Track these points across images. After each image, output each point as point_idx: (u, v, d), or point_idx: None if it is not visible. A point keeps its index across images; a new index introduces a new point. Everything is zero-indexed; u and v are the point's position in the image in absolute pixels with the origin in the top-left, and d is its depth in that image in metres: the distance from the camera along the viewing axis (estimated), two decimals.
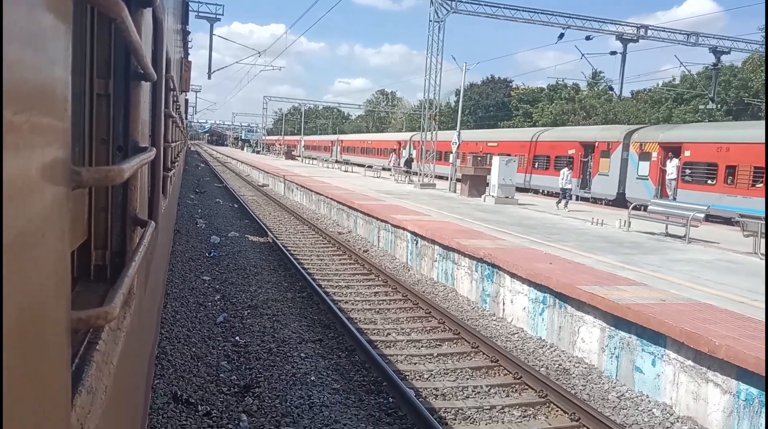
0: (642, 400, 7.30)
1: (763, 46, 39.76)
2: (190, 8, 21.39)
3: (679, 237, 15.17)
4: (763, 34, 44.79)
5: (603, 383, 7.81)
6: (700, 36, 33.81)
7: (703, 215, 15.17)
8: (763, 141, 19.29)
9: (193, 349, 8.20)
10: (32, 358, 0.74)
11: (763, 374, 5.93)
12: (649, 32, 33.27)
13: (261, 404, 6.68)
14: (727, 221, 19.72)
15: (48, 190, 0.80)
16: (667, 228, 15.98)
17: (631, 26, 33.77)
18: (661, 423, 6.75)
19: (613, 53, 36.44)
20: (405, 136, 57.48)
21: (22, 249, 0.69)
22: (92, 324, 1.23)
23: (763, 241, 12.98)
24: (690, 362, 6.89)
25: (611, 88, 50.73)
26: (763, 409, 6.01)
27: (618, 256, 11.90)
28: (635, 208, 17.22)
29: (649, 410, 7.05)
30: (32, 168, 0.72)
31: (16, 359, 0.67)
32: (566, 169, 24.57)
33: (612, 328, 8.10)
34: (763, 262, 12.40)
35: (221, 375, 7.46)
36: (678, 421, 6.78)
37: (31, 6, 0.71)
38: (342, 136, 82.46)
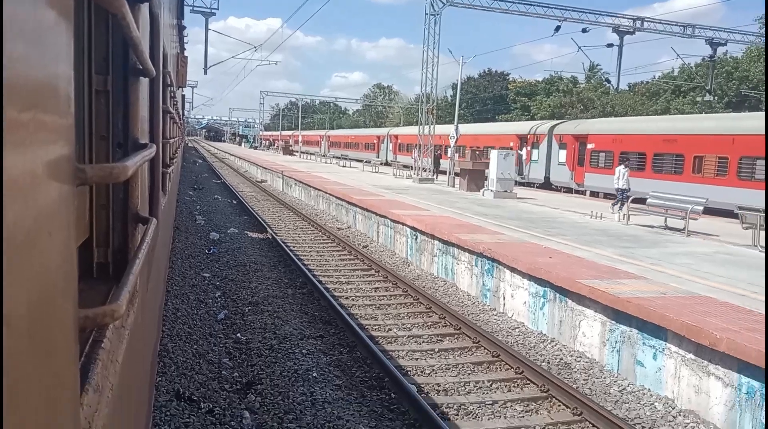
0: (644, 394, 7.32)
1: (760, 37, 39.75)
2: (185, 3, 21.33)
3: (678, 230, 15.19)
4: (760, 25, 44.81)
5: (605, 377, 7.83)
6: (696, 28, 33.79)
7: (701, 208, 15.20)
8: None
9: (195, 347, 8.20)
10: (41, 356, 0.74)
11: (764, 367, 5.94)
12: (646, 24, 33.24)
13: (263, 401, 6.68)
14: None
15: (53, 187, 0.79)
16: (666, 221, 16.01)
17: (628, 18, 33.75)
18: (663, 417, 6.77)
19: (610, 46, 36.46)
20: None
21: (30, 247, 0.69)
22: (99, 322, 1.23)
23: (762, 233, 13.00)
24: (691, 355, 6.91)
25: (608, 81, 50.68)
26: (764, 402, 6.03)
27: (618, 249, 11.92)
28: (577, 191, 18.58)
29: (651, 404, 7.07)
30: (38, 165, 0.72)
31: (26, 358, 0.67)
32: (622, 166, 19.16)
33: (613, 322, 8.11)
34: (763, 254, 12.43)
35: (223, 372, 7.47)
36: (680, 415, 6.80)
37: (34, 1, 0.70)
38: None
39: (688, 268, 10.29)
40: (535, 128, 34.15)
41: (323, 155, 63.00)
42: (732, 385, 6.40)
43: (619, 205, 17.81)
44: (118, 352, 1.64)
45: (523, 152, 33.96)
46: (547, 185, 31.56)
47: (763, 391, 6.04)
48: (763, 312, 7.52)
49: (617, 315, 8.00)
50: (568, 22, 31.93)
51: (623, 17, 33.93)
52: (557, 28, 32.01)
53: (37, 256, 0.72)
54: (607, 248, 11.96)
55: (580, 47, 36.39)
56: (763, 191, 16.57)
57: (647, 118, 36.93)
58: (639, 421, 6.60)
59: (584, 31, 33.19)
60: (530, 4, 31.23)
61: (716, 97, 46.71)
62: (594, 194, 27.84)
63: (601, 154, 28.00)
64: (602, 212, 18.06)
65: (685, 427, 6.55)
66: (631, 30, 33.37)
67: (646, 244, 13.04)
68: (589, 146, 28.73)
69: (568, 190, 30.09)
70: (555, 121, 35.07)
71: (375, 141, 59.75)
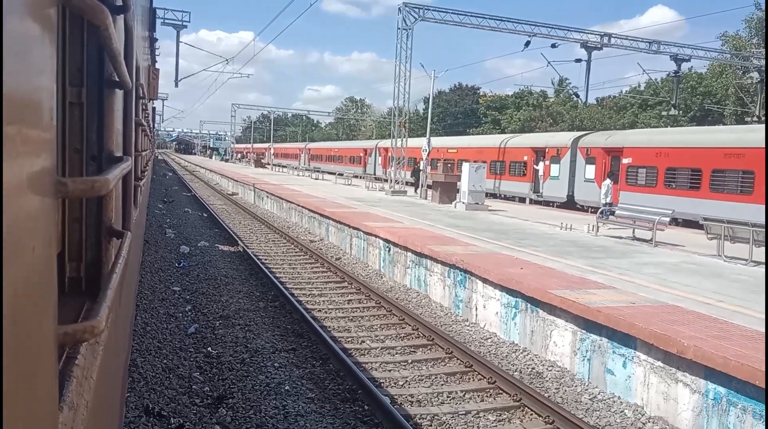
0: (614, 402, 7.41)
1: (722, 53, 40.92)
2: (156, 15, 21.16)
3: (646, 240, 15.47)
4: (722, 42, 46.18)
5: (576, 386, 7.91)
6: (661, 44, 34.63)
7: (668, 219, 15.52)
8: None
9: (165, 361, 8.06)
10: (21, 374, 0.73)
11: (732, 374, 6.07)
12: (613, 40, 33.96)
13: (235, 415, 6.59)
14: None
15: (36, 201, 0.78)
16: (634, 232, 16.30)
17: (595, 34, 34.45)
18: (632, 423, 6.85)
19: (578, 61, 37.20)
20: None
21: (12, 261, 0.68)
22: (78, 339, 1.20)
23: (726, 243, 13.31)
24: (660, 363, 7.02)
25: (577, 95, 51.62)
26: (732, 408, 6.15)
27: (587, 260, 12.08)
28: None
29: (621, 411, 7.16)
30: (22, 179, 0.71)
31: (5, 375, 0.65)
32: (608, 180, 20.59)
33: (583, 331, 8.21)
34: (728, 264, 12.72)
35: (194, 387, 7.35)
36: (649, 422, 6.89)
37: (19, 15, 0.70)
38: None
39: (655, 278, 10.48)
40: (554, 141, 30.84)
41: (303, 169, 61.84)
42: (699, 392, 6.52)
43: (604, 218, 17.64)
44: (92, 368, 1.61)
45: (540, 167, 30.73)
46: (570, 204, 27.99)
47: (730, 397, 6.16)
48: (730, 320, 7.69)
49: (587, 324, 8.10)
50: (538, 38, 32.50)
51: (591, 33, 34.66)
52: (527, 43, 32.58)
53: (19, 270, 0.71)
54: (577, 259, 12.12)
55: (549, 62, 37.10)
56: None
57: (701, 128, 32.26)
58: None
59: (553, 46, 33.79)
60: (501, 20, 31.68)
61: (681, 111, 47.89)
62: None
63: (641, 169, 24.35)
64: (572, 224, 18.31)
65: None
66: (599, 46, 34.08)
67: (615, 254, 13.25)
68: (625, 161, 25.16)
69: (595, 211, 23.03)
70: (579, 133, 31.38)
71: (362, 154, 56.18)
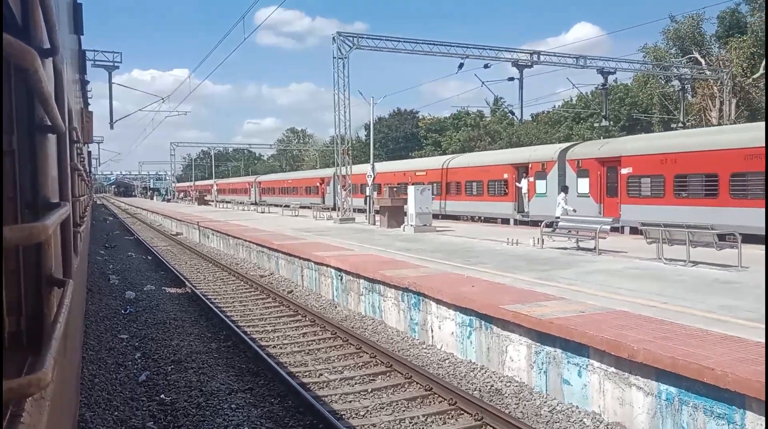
0: (573, 412, 7.51)
1: (645, 65, 42.91)
2: (86, 57, 20.74)
3: (590, 249, 15.91)
4: (644, 54, 48.43)
5: (534, 399, 7.99)
6: (587, 59, 36.04)
7: (609, 227, 16.03)
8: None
9: (116, 413, 7.74)
10: None
11: (681, 373, 6.26)
12: (542, 57, 35.13)
13: None
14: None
15: None
16: (578, 242, 16.75)
17: (525, 53, 35.56)
18: None
19: (511, 79, 38.19)
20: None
21: None
22: (24, 393, 1.15)
23: (665, 246, 13.82)
24: (613, 369, 7.18)
25: (512, 113, 53.04)
26: (684, 407, 6.33)
27: (535, 273, 12.32)
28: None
29: (580, 420, 7.27)
30: None
31: None
32: (563, 193, 20.73)
33: (537, 344, 8.33)
34: (668, 266, 13.19)
35: None
36: (608, 428, 7.02)
37: None
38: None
39: (602, 285, 10.77)
40: (537, 155, 28.69)
41: (249, 203, 60.97)
42: (652, 394, 6.69)
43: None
44: (39, 426, 1.53)
45: (523, 184, 28.77)
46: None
47: (681, 396, 6.35)
48: (675, 320, 7.96)
49: (541, 337, 8.23)
50: (471, 59, 33.27)
51: (521, 52, 35.75)
52: (461, 65, 33.29)
53: None
54: (526, 273, 12.35)
55: (483, 82, 37.90)
56: None
57: (714, 128, 29.30)
58: None
59: (486, 66, 34.65)
60: (433, 44, 32.37)
61: (611, 122, 49.84)
62: (636, 231, 18.77)
63: (644, 179, 22.41)
64: (518, 238, 18.68)
65: None
66: (529, 63, 35.17)
67: (561, 265, 13.56)
68: (624, 171, 23.14)
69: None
70: (566, 144, 29.22)
71: (318, 184, 53.79)
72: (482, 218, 32.55)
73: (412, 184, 29.29)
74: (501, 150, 41.77)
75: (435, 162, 39.37)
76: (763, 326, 7.45)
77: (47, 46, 2.20)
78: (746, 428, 5.72)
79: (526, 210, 28.70)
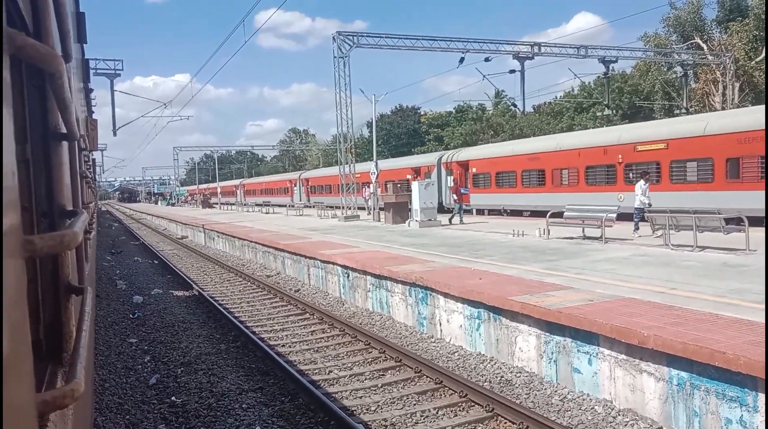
0: (584, 400, 7.49)
1: (646, 52, 42.71)
2: (89, 66, 20.77)
3: (596, 238, 15.85)
4: (644, 42, 48.21)
5: (545, 389, 7.97)
6: (588, 48, 35.90)
7: (615, 215, 15.96)
8: None
9: (127, 417, 7.76)
10: None
11: (692, 357, 6.23)
12: (543, 49, 35.03)
13: None
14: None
15: (5, 263, 0.74)
16: (584, 231, 16.68)
17: (526, 45, 35.46)
18: (603, 419, 6.93)
19: (512, 72, 38.10)
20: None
21: None
22: (59, 405, 1.11)
23: (671, 232, 13.76)
24: (623, 356, 7.15)
25: (515, 105, 52.90)
26: (696, 391, 6.29)
27: (543, 263, 12.28)
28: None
29: (592, 408, 7.24)
30: None
31: None
32: (642, 181, 17.92)
33: (547, 333, 8.30)
34: (675, 252, 13.13)
35: None
36: (619, 415, 6.99)
37: None
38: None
39: (610, 274, 10.72)
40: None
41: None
42: (663, 379, 6.65)
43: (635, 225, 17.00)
44: None
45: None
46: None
47: (693, 381, 6.31)
48: (684, 306, 7.91)
49: (550, 326, 8.21)
50: (471, 53, 33.19)
51: (521, 44, 35.66)
52: (461, 60, 33.22)
53: None
54: (533, 263, 12.31)
55: (485, 76, 37.85)
56: None
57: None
58: (582, 427, 6.73)
59: (487, 60, 34.58)
60: (434, 39, 32.29)
61: (613, 111, 49.65)
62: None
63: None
64: (523, 230, 18.62)
65: (625, 425, 6.73)
66: (530, 55, 35.07)
67: (568, 255, 13.51)
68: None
69: None
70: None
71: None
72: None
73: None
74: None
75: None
76: None
77: (60, 53, 2.18)
78: (759, 410, 5.68)
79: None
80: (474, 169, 33.56)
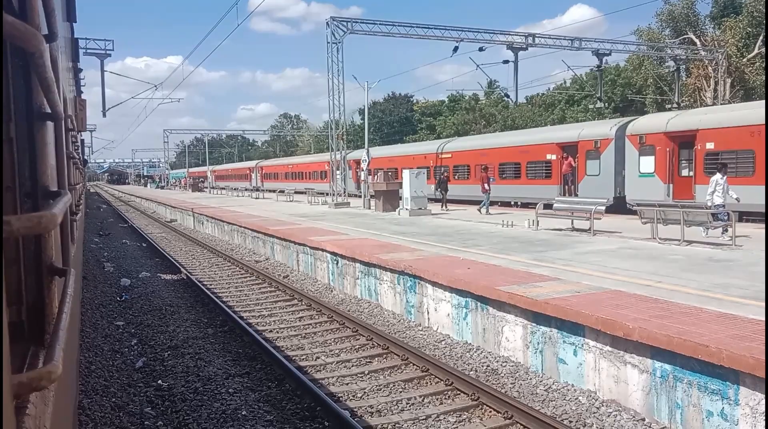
0: (568, 390, 7.56)
1: (639, 46, 42.75)
2: (78, 45, 20.51)
3: (585, 230, 15.94)
4: (636, 36, 48.24)
5: (530, 378, 8.04)
6: (582, 41, 35.86)
7: (603, 208, 16.05)
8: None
9: (113, 400, 7.75)
10: None
11: (676, 350, 6.30)
12: (537, 40, 34.96)
13: None
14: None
15: None
16: (572, 223, 16.77)
17: (520, 35, 35.36)
18: (587, 409, 7.01)
19: (506, 62, 37.99)
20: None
21: None
22: (35, 387, 1.10)
23: (660, 226, 13.84)
24: (608, 348, 7.22)
25: (507, 96, 52.85)
26: (678, 383, 6.37)
27: (531, 254, 12.35)
28: None
29: (576, 398, 7.32)
30: None
31: None
32: (719, 174, 14.81)
33: (533, 324, 8.37)
34: (663, 245, 13.23)
35: (146, 423, 7.09)
36: (603, 405, 7.07)
37: None
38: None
39: (597, 266, 10.80)
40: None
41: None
42: (647, 371, 6.73)
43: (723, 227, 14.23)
44: (44, 417, 1.50)
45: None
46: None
47: (676, 373, 6.39)
48: (670, 299, 7.99)
49: (537, 317, 8.27)
50: (466, 42, 33.05)
51: (516, 35, 35.54)
52: (455, 49, 33.07)
53: None
54: (521, 254, 12.37)
55: (478, 65, 37.66)
56: None
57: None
58: (566, 417, 6.80)
59: (481, 49, 34.43)
60: (428, 27, 32.13)
61: (605, 104, 49.73)
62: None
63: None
64: (513, 220, 18.70)
65: (608, 416, 6.81)
66: (524, 46, 34.97)
67: (556, 246, 13.59)
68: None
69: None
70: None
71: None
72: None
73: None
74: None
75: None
76: (757, 303, 7.50)
77: (45, 32, 2.15)
78: (740, 403, 5.77)
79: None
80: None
